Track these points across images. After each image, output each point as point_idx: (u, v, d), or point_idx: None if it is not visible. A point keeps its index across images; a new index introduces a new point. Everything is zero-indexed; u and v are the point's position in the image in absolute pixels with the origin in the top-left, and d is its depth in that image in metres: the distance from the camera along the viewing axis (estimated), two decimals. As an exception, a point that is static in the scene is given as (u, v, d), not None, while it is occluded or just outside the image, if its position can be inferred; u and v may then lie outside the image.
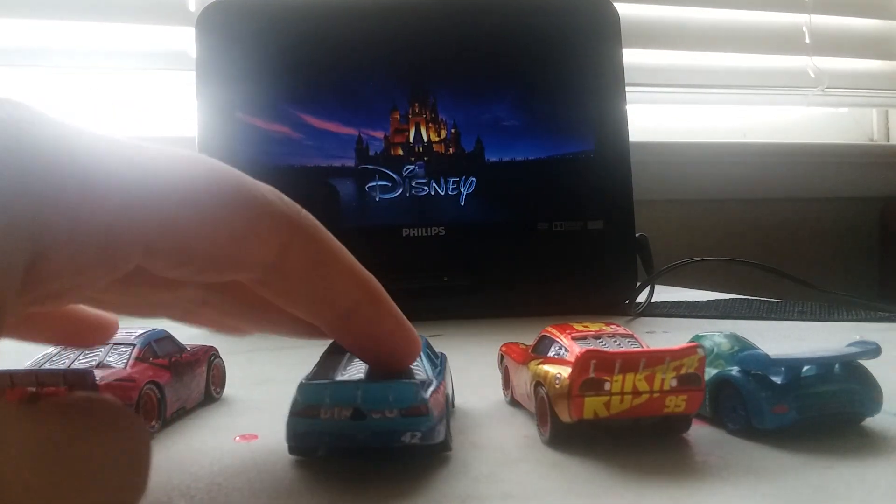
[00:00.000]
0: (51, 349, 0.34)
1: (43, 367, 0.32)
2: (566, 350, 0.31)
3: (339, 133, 0.75)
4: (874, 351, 0.30)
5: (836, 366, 0.31)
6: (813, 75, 1.27)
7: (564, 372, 0.28)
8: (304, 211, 0.26)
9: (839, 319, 0.66)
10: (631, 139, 0.78)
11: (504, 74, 0.77)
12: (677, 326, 0.65)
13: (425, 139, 0.76)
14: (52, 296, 0.20)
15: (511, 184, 0.76)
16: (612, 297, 0.76)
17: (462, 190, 0.75)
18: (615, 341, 0.32)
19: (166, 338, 0.37)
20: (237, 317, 0.31)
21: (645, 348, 0.31)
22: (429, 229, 0.74)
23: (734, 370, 0.31)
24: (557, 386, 0.29)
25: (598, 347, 0.30)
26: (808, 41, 1.26)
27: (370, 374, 0.29)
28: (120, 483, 0.19)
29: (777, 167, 1.28)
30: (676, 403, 0.28)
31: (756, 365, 0.30)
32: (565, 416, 0.28)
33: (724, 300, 0.80)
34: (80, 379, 0.30)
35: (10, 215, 0.17)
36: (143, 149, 0.22)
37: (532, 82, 0.77)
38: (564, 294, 0.74)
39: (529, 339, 0.37)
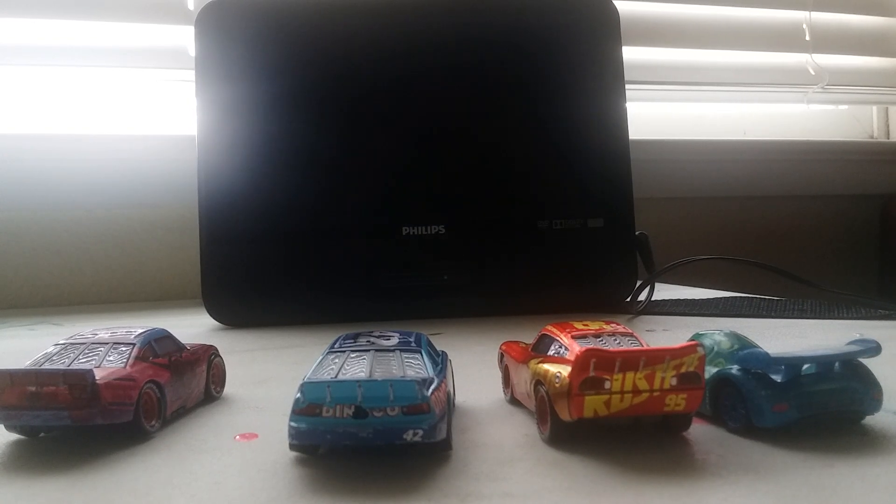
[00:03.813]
0: (51, 348, 0.34)
1: (43, 367, 0.32)
2: (566, 349, 0.31)
3: (339, 131, 0.75)
4: (874, 349, 0.30)
5: (837, 364, 0.31)
6: (813, 72, 1.27)
7: (564, 370, 0.28)
8: None
9: (839, 317, 0.66)
10: (631, 137, 0.78)
11: (504, 72, 0.77)
12: (678, 324, 0.65)
13: (425, 136, 0.76)
14: None
15: (511, 182, 0.76)
16: (612, 296, 0.76)
17: (462, 188, 0.75)
18: (615, 340, 0.32)
19: (166, 337, 0.37)
20: None
21: (645, 347, 0.31)
22: (429, 228, 0.74)
23: (734, 369, 0.31)
24: (557, 384, 0.29)
25: (599, 346, 0.30)
26: (808, 38, 1.26)
27: (371, 373, 0.29)
28: None
29: (777, 164, 1.28)
30: (676, 402, 0.28)
31: (756, 363, 0.30)
32: (565, 415, 0.28)
33: (725, 298, 0.80)
34: (79, 378, 0.30)
35: None
36: None
37: (532, 80, 0.77)
38: (564, 292, 0.74)
39: (529, 338, 0.37)
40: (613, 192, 0.77)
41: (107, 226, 1.01)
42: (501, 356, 0.39)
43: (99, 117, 1.04)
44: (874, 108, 1.41)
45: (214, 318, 0.73)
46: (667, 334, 0.60)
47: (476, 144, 0.76)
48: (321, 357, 0.31)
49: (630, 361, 0.27)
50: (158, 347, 0.36)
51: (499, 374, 0.39)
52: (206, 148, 0.74)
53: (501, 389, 0.39)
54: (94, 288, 1.00)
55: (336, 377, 0.29)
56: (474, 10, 0.78)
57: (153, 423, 0.33)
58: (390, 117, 0.76)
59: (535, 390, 0.31)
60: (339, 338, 0.34)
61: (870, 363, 0.31)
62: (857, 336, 0.33)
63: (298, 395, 0.27)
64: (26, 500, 0.26)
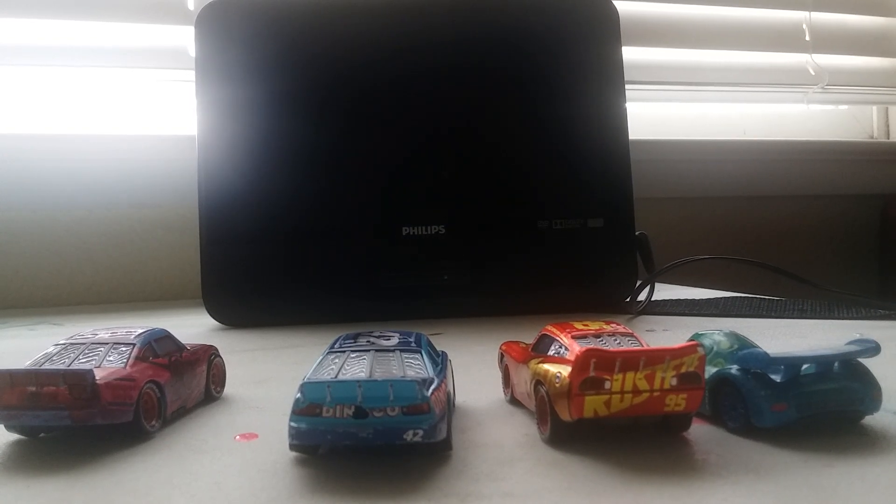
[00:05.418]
0: (51, 348, 0.34)
1: (43, 367, 0.32)
2: (566, 349, 0.31)
3: (339, 131, 0.75)
4: (874, 349, 0.30)
5: (836, 364, 0.31)
6: (813, 72, 1.27)
7: (564, 371, 0.28)
8: None
9: (839, 317, 0.66)
10: (631, 137, 0.78)
11: (504, 72, 0.77)
12: (678, 324, 0.65)
13: (425, 136, 0.76)
14: None
15: (511, 182, 0.76)
16: (612, 296, 0.76)
17: (462, 188, 0.75)
18: (615, 340, 0.32)
19: (166, 337, 0.37)
20: None
21: (645, 347, 0.31)
22: (429, 228, 0.74)
23: (734, 368, 0.31)
24: (557, 384, 0.29)
25: (599, 346, 0.30)
26: (808, 38, 1.26)
27: (372, 373, 0.29)
28: None
29: (777, 165, 1.28)
30: (676, 402, 0.28)
31: (756, 363, 0.30)
32: (565, 415, 0.28)
33: (725, 298, 0.80)
34: (79, 379, 0.30)
35: None
36: None
37: (532, 80, 0.77)
38: (564, 292, 0.74)
39: (529, 338, 0.37)
40: (613, 192, 0.77)
41: (107, 226, 1.01)
42: (501, 356, 0.39)
43: (99, 117, 1.04)
44: (874, 108, 1.41)
45: (214, 318, 0.73)
46: (667, 334, 0.60)
47: (476, 144, 0.76)
48: (321, 357, 0.31)
49: (630, 361, 0.27)
50: (158, 347, 0.36)
51: (499, 374, 0.39)
52: (206, 148, 0.74)
53: (501, 389, 0.39)
54: (94, 288, 1.00)
55: (336, 377, 0.29)
56: (474, 9, 0.78)
57: (153, 423, 0.33)
58: (390, 117, 0.76)
59: (535, 390, 0.31)
60: (339, 338, 0.34)
61: (869, 363, 0.31)
62: (857, 336, 0.33)
63: (298, 395, 0.27)
64: (26, 500, 0.26)
